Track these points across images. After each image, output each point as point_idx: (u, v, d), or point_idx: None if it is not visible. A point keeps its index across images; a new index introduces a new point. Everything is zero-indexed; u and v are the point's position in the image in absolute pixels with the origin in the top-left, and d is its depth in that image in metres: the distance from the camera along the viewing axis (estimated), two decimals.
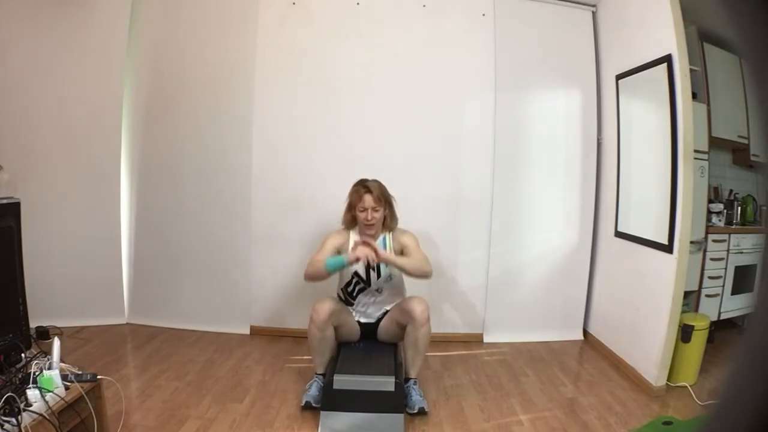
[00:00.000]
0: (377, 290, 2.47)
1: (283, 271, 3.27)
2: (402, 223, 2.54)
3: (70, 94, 3.18)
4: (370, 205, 2.35)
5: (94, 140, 3.24)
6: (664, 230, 2.62)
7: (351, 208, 2.43)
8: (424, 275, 2.36)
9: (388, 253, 2.34)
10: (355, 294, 2.48)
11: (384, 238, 2.46)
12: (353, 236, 2.45)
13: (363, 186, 2.40)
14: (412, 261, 2.35)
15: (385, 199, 2.41)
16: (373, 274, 2.43)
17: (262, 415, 2.28)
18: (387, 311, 2.50)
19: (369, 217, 2.35)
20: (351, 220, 2.46)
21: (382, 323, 2.50)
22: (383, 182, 2.47)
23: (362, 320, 2.51)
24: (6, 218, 1.84)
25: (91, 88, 3.21)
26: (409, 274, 2.37)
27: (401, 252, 2.45)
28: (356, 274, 2.43)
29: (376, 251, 2.21)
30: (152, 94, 3.32)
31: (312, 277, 2.30)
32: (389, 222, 2.46)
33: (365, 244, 2.25)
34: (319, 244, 2.44)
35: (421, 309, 2.29)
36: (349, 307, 2.50)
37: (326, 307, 2.28)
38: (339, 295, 2.53)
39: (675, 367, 2.66)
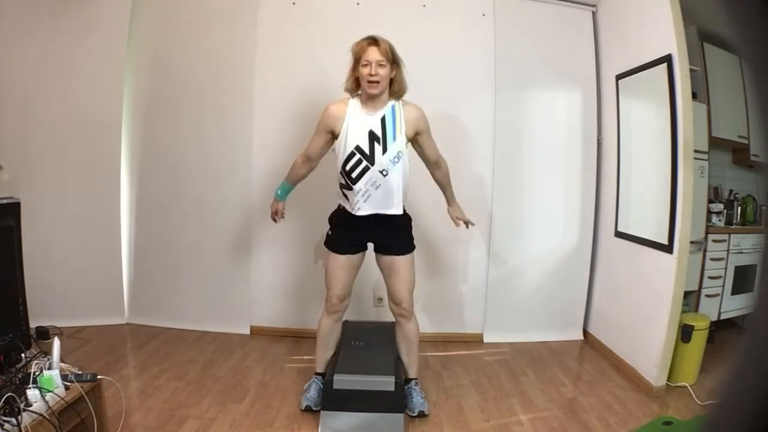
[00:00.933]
0: (382, 172, 2.12)
1: (283, 271, 3.27)
2: None
3: (70, 93, 3.18)
4: (374, 57, 2.05)
5: (95, 140, 3.24)
6: (664, 230, 2.63)
7: (355, 64, 2.11)
8: None
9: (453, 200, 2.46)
10: (355, 177, 2.13)
11: (392, 108, 2.15)
12: (353, 105, 2.15)
13: (368, 38, 2.11)
14: (449, 181, 2.43)
15: (393, 56, 2.11)
16: (378, 148, 2.11)
17: (262, 415, 2.28)
18: (393, 220, 2.21)
19: (373, 71, 2.04)
20: (354, 84, 2.14)
21: (382, 262, 2.31)
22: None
23: (365, 213, 2.16)
24: (6, 218, 1.84)
25: (92, 88, 3.21)
26: (412, 265, 2.32)
27: (414, 136, 2.19)
28: (357, 147, 2.12)
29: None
30: (152, 93, 3.32)
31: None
32: (398, 86, 2.14)
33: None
34: (315, 127, 2.25)
35: (405, 299, 2.26)
36: (350, 195, 2.17)
37: (339, 288, 2.26)
38: (341, 183, 2.23)
39: (675, 367, 2.66)
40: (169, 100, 3.31)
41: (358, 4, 3.23)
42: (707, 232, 3.20)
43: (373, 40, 2.09)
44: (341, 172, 2.19)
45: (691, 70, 2.62)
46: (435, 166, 2.38)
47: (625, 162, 3.10)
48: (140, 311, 3.38)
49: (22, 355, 1.76)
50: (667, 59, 2.58)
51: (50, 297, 3.02)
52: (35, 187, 3.09)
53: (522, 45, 3.31)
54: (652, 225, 2.75)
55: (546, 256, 3.43)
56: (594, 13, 3.37)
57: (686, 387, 2.64)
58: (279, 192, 2.46)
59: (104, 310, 3.31)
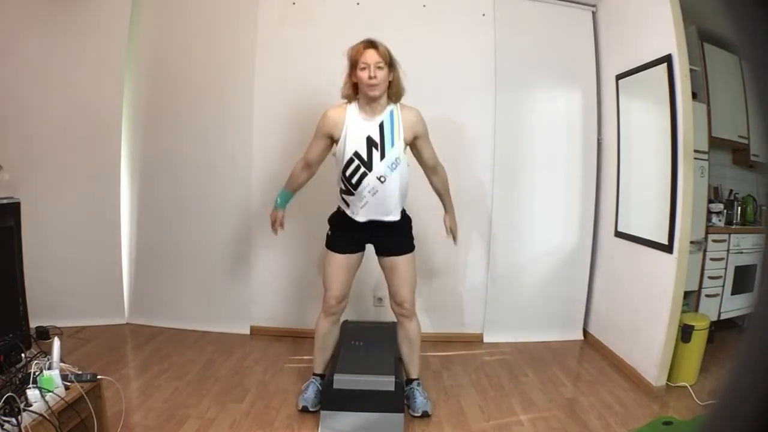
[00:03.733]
0: (380, 179, 2.11)
1: (283, 271, 3.27)
2: None
3: (70, 93, 3.18)
4: (373, 60, 2.03)
5: (95, 140, 3.24)
6: (664, 230, 2.63)
7: (352, 69, 2.08)
8: None
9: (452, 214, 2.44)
10: (355, 183, 2.13)
11: (391, 113, 2.14)
12: (352, 111, 2.13)
13: (366, 40, 2.08)
14: (448, 189, 2.40)
15: (390, 59, 2.09)
16: (375, 154, 2.10)
17: (262, 415, 2.28)
18: (393, 225, 2.22)
19: (372, 74, 2.01)
20: (352, 89, 2.12)
21: (383, 263, 2.30)
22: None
23: (363, 219, 2.18)
24: (6, 218, 1.83)
25: (92, 88, 3.21)
26: (413, 269, 2.31)
27: (413, 140, 2.18)
28: (356, 153, 2.11)
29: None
30: (152, 94, 3.32)
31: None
32: (396, 89, 2.13)
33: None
34: (314, 133, 2.24)
35: (406, 299, 2.27)
36: (349, 200, 2.19)
37: (338, 288, 2.25)
38: (340, 188, 2.22)
39: (675, 367, 2.66)
40: (169, 100, 3.31)
41: (358, 4, 3.23)
42: (707, 232, 3.19)
43: (370, 43, 2.07)
44: (341, 178, 2.20)
45: (691, 70, 2.61)
46: (432, 171, 2.35)
47: (625, 162, 3.10)
48: (140, 311, 3.38)
49: (22, 355, 1.76)
50: (667, 59, 2.58)
51: (50, 297, 3.02)
52: (35, 187, 3.09)
53: (522, 45, 3.31)
54: (652, 225, 2.75)
55: (546, 256, 3.43)
56: (594, 13, 3.37)
57: (686, 387, 2.64)
58: (278, 200, 2.40)
59: (104, 310, 3.31)
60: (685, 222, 2.53)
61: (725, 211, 3.50)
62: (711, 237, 3.22)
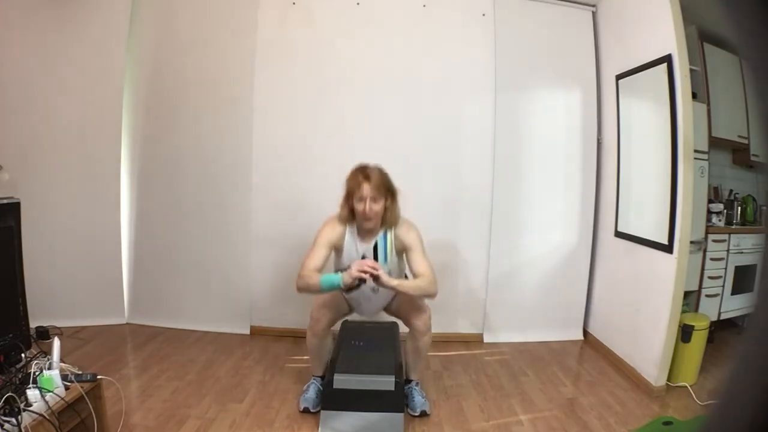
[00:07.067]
0: (373, 289, 2.26)
1: (283, 271, 3.27)
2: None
3: (70, 93, 3.18)
4: (368, 194, 2.07)
5: (95, 140, 3.24)
6: (664, 230, 2.63)
7: (348, 197, 2.15)
8: (428, 297, 2.20)
9: (390, 278, 2.06)
10: (353, 289, 2.26)
11: (384, 236, 2.22)
12: (350, 232, 2.22)
13: (362, 172, 2.12)
14: (417, 284, 2.14)
15: (386, 189, 2.13)
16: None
17: (262, 415, 2.28)
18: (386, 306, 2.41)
19: (367, 209, 2.08)
20: (349, 214, 2.17)
21: (387, 306, 2.43)
22: None
23: (360, 316, 2.42)
24: (6, 218, 1.83)
25: (91, 88, 3.21)
26: (413, 297, 2.24)
27: (402, 252, 2.27)
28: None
29: (376, 276, 2.00)
30: (152, 94, 3.32)
31: (304, 290, 2.09)
32: (390, 216, 2.17)
33: (366, 267, 2.02)
34: (312, 242, 2.22)
35: (423, 321, 2.24)
36: (350, 297, 2.34)
37: (323, 315, 2.23)
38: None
39: (675, 367, 2.66)
40: (169, 101, 3.31)
41: (358, 4, 3.23)
42: (707, 232, 3.19)
43: (366, 176, 2.10)
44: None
45: (691, 70, 2.62)
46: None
47: (625, 162, 3.10)
48: (140, 311, 3.38)
49: (22, 355, 1.76)
50: (667, 59, 2.58)
51: (50, 297, 3.02)
52: (35, 187, 3.09)
53: (522, 45, 3.31)
54: (652, 225, 2.75)
55: (546, 256, 3.43)
56: (594, 13, 3.37)
57: (686, 387, 2.65)
58: (335, 283, 2.07)
59: (104, 310, 3.31)
60: (685, 222, 2.53)
61: (725, 211, 3.50)
62: (711, 237, 3.22)
